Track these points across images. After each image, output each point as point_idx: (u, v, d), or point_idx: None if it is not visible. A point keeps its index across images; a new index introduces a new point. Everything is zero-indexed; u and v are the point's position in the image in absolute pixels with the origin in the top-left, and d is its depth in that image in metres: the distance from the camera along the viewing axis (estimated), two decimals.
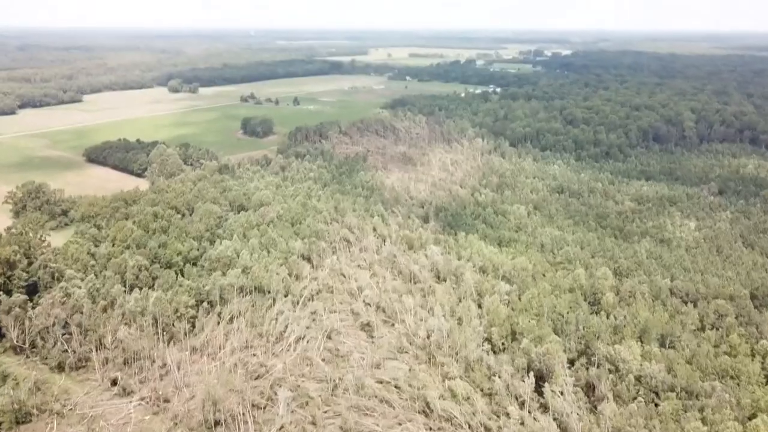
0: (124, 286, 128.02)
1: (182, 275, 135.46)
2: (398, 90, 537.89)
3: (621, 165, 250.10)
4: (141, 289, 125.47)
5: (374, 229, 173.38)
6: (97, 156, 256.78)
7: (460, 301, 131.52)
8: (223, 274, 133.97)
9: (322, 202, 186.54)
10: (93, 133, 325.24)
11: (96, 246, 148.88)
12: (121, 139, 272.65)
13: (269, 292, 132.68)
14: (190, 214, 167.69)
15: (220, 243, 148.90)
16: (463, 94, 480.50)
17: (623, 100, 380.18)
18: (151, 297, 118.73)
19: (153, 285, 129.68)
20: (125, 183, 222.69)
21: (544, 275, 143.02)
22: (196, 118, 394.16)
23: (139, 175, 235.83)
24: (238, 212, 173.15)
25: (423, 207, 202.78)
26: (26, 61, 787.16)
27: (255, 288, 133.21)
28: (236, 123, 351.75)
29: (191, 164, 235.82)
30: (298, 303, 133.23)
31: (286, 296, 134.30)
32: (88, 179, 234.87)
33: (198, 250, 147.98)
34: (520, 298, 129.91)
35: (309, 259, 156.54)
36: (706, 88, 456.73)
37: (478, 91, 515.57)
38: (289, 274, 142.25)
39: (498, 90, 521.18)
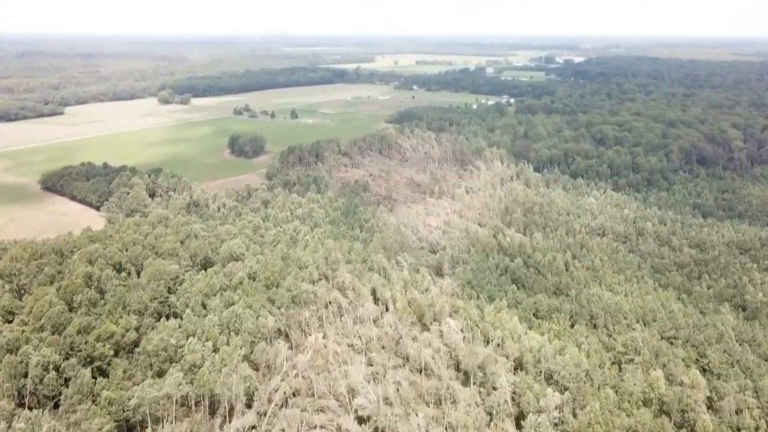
0: (20, 398, 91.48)
1: (106, 376, 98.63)
2: (405, 101, 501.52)
3: (667, 196, 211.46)
4: (33, 408, 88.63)
5: (373, 292, 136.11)
6: (55, 184, 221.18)
7: (491, 418, 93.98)
8: (161, 374, 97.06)
9: (309, 252, 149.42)
10: (64, 153, 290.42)
11: (7, 322, 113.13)
12: (84, 162, 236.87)
13: (225, 401, 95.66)
14: (138, 274, 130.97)
15: (167, 321, 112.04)
16: (475, 106, 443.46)
17: (655, 114, 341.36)
18: (44, 425, 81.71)
19: (60, 395, 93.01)
20: (81, 219, 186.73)
21: (601, 367, 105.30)
22: (182, 133, 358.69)
23: (99, 209, 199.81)
24: (201, 269, 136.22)
25: (435, 252, 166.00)
26: (20, 70, 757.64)
27: (204, 396, 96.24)
28: (226, 140, 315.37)
29: (160, 195, 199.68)
30: (264, 414, 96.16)
31: (249, 406, 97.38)
32: (39, 214, 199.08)
33: (137, 330, 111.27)
34: (575, 415, 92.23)
35: (287, 336, 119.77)
36: (742, 99, 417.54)
37: (491, 101, 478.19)
38: (256, 368, 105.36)
39: (512, 101, 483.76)
